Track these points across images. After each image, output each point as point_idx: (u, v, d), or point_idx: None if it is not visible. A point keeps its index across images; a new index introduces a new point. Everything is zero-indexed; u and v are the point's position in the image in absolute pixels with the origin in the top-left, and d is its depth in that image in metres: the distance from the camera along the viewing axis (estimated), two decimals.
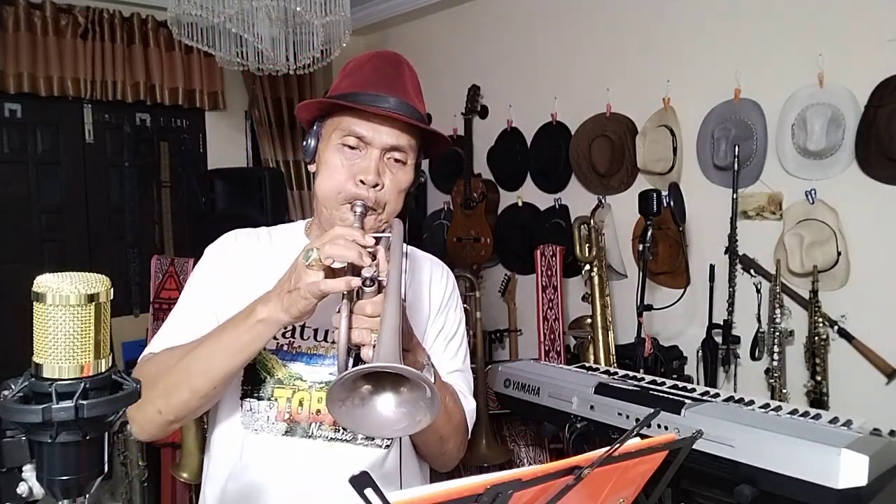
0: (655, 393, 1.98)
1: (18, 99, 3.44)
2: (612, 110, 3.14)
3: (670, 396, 1.92)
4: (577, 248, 2.91)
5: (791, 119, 2.54)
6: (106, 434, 0.64)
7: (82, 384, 0.60)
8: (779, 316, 2.54)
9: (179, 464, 2.73)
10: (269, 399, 1.14)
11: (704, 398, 1.92)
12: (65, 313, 0.59)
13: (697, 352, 2.78)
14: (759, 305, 2.63)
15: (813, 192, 2.51)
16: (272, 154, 4.11)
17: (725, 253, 2.69)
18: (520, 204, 3.62)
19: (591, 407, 1.99)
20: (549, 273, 3.18)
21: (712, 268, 2.72)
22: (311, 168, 1.20)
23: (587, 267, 2.90)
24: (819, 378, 2.44)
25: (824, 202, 2.49)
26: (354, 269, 0.96)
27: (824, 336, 2.44)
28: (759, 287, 2.63)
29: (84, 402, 0.59)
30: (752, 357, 2.61)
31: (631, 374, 2.30)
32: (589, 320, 2.91)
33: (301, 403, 1.14)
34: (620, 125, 3.10)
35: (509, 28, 3.63)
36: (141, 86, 3.69)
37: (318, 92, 4.16)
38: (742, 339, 2.67)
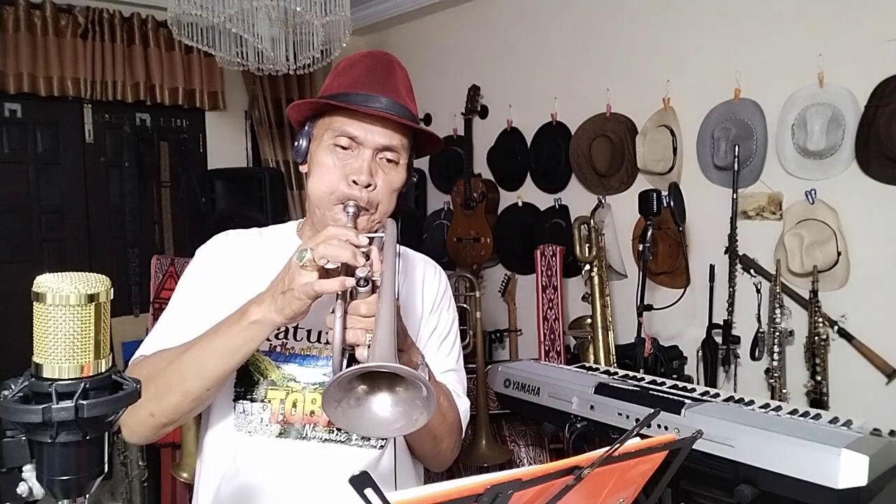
0: (655, 393, 1.98)
1: (18, 99, 3.44)
2: (612, 110, 3.14)
3: (670, 396, 1.92)
4: (577, 248, 2.91)
5: (791, 119, 2.54)
6: (106, 434, 0.64)
7: (82, 384, 0.60)
8: (779, 316, 2.53)
9: (179, 464, 2.73)
10: (262, 401, 1.14)
11: (704, 398, 1.92)
12: (65, 313, 0.59)
13: (697, 352, 2.78)
14: (759, 305, 2.63)
15: (813, 192, 2.51)
16: (272, 154, 4.11)
17: (725, 253, 2.69)
18: (520, 204, 3.62)
19: (591, 407, 1.99)
20: (549, 273, 3.18)
21: (712, 268, 2.72)
22: (303, 169, 1.20)
23: (587, 267, 2.90)
24: (819, 378, 2.44)
25: (824, 202, 2.49)
26: (348, 270, 0.96)
27: (824, 336, 2.44)
28: (759, 287, 2.63)
29: (84, 402, 0.59)
30: (752, 357, 2.61)
31: (631, 374, 2.30)
32: (589, 320, 2.91)
33: (295, 405, 1.14)
34: (620, 125, 3.10)
35: (509, 28, 3.63)
36: (141, 86, 3.69)
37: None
38: (742, 339, 2.67)
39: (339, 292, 0.95)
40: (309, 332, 1.17)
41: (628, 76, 3.09)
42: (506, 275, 3.55)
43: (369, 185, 1.12)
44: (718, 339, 2.70)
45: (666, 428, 1.73)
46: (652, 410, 0.90)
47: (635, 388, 2.02)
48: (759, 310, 2.63)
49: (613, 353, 2.86)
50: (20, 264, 3.47)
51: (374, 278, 0.95)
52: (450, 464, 1.28)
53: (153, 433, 1.08)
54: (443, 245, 3.86)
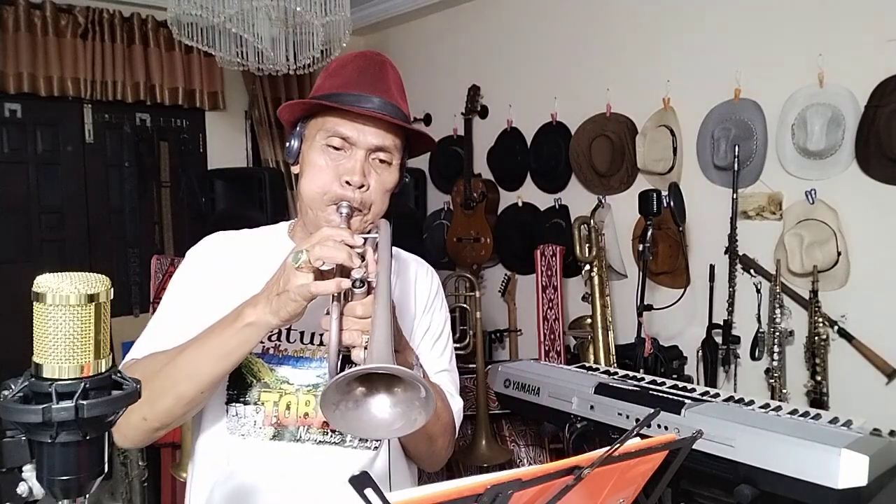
0: (655, 393, 1.98)
1: (18, 99, 3.44)
2: (612, 110, 3.14)
3: (670, 396, 1.92)
4: (577, 248, 2.91)
5: (791, 119, 2.54)
6: (106, 434, 0.64)
7: (82, 384, 0.60)
8: (779, 316, 2.54)
9: (179, 464, 2.73)
10: (255, 403, 1.13)
11: (704, 398, 1.92)
12: (65, 313, 0.59)
13: (697, 352, 2.78)
14: (759, 305, 2.63)
15: (813, 192, 2.51)
16: (272, 154, 4.12)
17: (725, 253, 2.69)
18: (520, 204, 3.62)
19: (591, 407, 1.99)
20: (549, 273, 3.18)
21: (712, 268, 2.72)
22: (295, 169, 1.19)
23: (587, 267, 2.91)
24: (819, 378, 2.44)
25: (824, 202, 2.49)
26: (343, 271, 0.95)
27: (824, 336, 2.44)
28: (759, 287, 2.63)
29: (84, 402, 0.59)
30: (752, 357, 2.61)
31: (631, 374, 2.30)
32: (589, 320, 2.91)
33: (288, 407, 1.13)
34: (620, 125, 3.10)
35: (509, 28, 3.63)
36: (141, 86, 3.69)
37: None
38: (742, 339, 2.67)
39: (335, 294, 0.95)
40: (302, 333, 1.17)
41: (628, 76, 3.09)
42: (506, 275, 3.55)
43: (362, 186, 1.11)
44: (718, 339, 2.70)
45: (666, 428, 1.73)
46: (652, 410, 0.90)
47: (635, 388, 2.02)
48: (759, 310, 2.63)
49: (613, 353, 2.86)
50: (20, 264, 3.47)
51: (369, 279, 0.95)
52: (444, 464, 1.28)
53: (145, 437, 1.07)
54: (443, 245, 3.86)
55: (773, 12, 2.62)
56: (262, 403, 1.13)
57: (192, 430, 1.21)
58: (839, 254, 2.42)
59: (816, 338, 2.45)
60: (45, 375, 0.60)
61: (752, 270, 2.67)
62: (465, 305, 3.29)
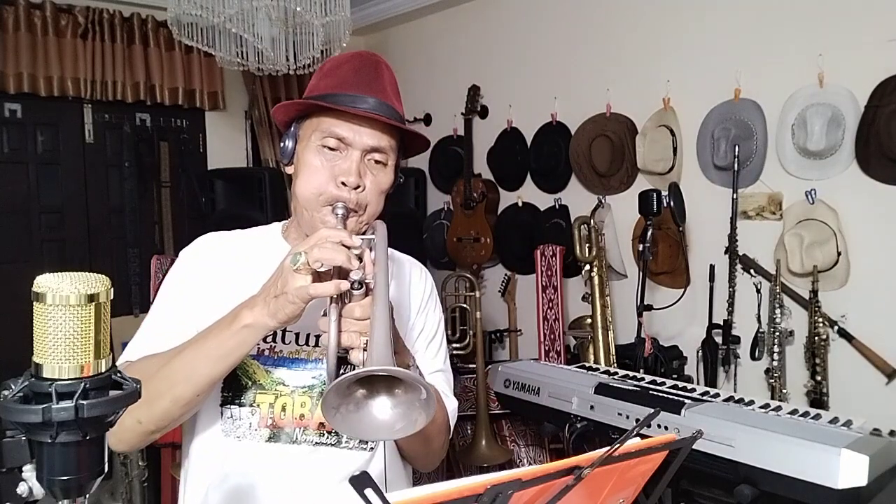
0: (655, 393, 1.98)
1: (18, 99, 3.44)
2: (612, 110, 3.14)
3: (670, 396, 1.92)
4: (577, 248, 2.91)
5: (791, 119, 2.54)
6: (106, 434, 0.64)
7: (82, 384, 0.59)
8: (779, 316, 2.54)
9: (179, 464, 2.73)
10: (250, 405, 1.12)
11: (704, 398, 1.92)
12: (65, 313, 0.59)
13: (697, 352, 2.78)
14: (759, 305, 2.63)
15: (813, 192, 2.51)
16: (272, 154, 4.12)
17: (725, 253, 2.69)
18: (520, 204, 3.62)
19: (591, 407, 1.99)
20: (549, 273, 3.18)
21: (712, 268, 2.72)
22: (289, 170, 1.19)
23: (587, 267, 2.91)
24: (819, 378, 2.44)
25: (824, 202, 2.49)
26: (341, 272, 0.95)
27: (824, 336, 2.44)
28: (759, 287, 2.63)
29: (84, 402, 0.59)
30: (752, 357, 2.61)
31: (631, 374, 2.30)
32: (589, 320, 2.91)
33: (284, 409, 1.12)
34: (620, 125, 3.10)
35: (509, 28, 3.63)
36: (141, 86, 3.69)
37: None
38: (742, 339, 2.67)
39: (334, 296, 0.94)
40: (297, 335, 1.16)
41: (628, 76, 3.09)
42: (506, 275, 3.55)
43: (358, 187, 1.10)
44: (718, 339, 2.70)
45: (666, 428, 1.73)
46: (652, 410, 0.90)
47: (635, 388, 2.02)
48: (759, 310, 2.63)
49: (613, 353, 2.86)
50: (20, 264, 3.46)
51: (367, 281, 0.95)
52: (438, 464, 1.29)
53: (140, 440, 1.06)
54: (443, 245, 3.86)
55: (773, 12, 2.62)
56: (258, 405, 1.12)
57: (185, 433, 1.20)
58: (839, 254, 2.42)
59: (816, 338, 2.45)
60: (45, 375, 0.60)
61: (752, 270, 2.67)
62: (465, 305, 3.29)
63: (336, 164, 1.11)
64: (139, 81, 3.68)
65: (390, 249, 1.21)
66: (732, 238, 2.67)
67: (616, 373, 2.32)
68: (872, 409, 2.24)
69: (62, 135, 3.65)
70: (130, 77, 3.67)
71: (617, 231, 3.14)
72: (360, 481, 0.56)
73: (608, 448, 0.70)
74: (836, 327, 2.46)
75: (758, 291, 2.63)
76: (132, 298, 3.78)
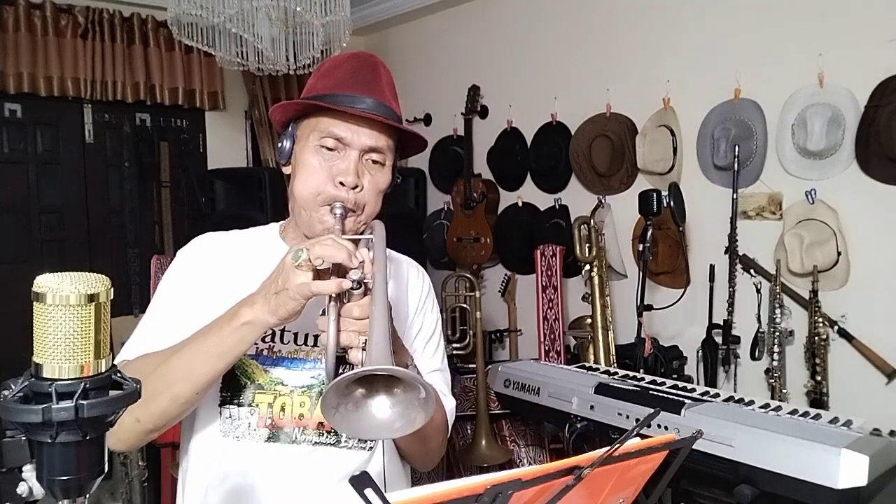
0: (655, 393, 1.98)
1: (18, 99, 3.44)
2: (612, 110, 3.14)
3: (670, 396, 1.92)
4: (577, 248, 2.91)
5: (791, 119, 2.54)
6: (106, 434, 0.64)
7: (82, 384, 0.59)
8: (779, 316, 2.53)
9: (179, 464, 2.73)
10: (249, 405, 1.12)
11: (704, 398, 1.92)
12: (65, 313, 0.59)
13: (697, 352, 2.78)
14: (759, 305, 2.63)
15: (813, 192, 2.51)
16: (272, 154, 4.12)
17: (725, 253, 2.69)
18: (520, 204, 3.62)
19: (591, 407, 1.99)
20: (549, 273, 3.18)
21: (712, 268, 2.72)
22: (286, 170, 1.19)
23: (587, 267, 2.90)
24: (819, 378, 2.44)
25: (824, 202, 2.49)
26: (340, 272, 0.96)
27: (824, 336, 2.44)
28: (759, 287, 2.63)
29: (84, 402, 0.59)
30: (752, 357, 2.61)
31: (631, 374, 2.30)
32: (589, 320, 2.91)
33: (283, 408, 1.12)
34: (620, 125, 3.10)
35: (509, 28, 3.63)
36: (141, 86, 3.69)
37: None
38: (742, 339, 2.67)
39: (333, 294, 0.95)
40: (296, 334, 1.16)
41: (628, 76, 3.09)
42: (506, 275, 3.55)
43: (356, 187, 1.11)
44: (718, 339, 2.70)
45: (666, 428, 1.73)
46: (652, 410, 0.90)
47: (635, 388, 2.02)
48: (759, 310, 2.63)
49: (613, 353, 2.86)
50: (20, 264, 3.47)
51: (366, 280, 0.95)
52: (436, 463, 1.29)
53: (139, 440, 1.06)
54: (443, 245, 3.86)
55: (773, 12, 2.62)
56: (257, 405, 1.12)
57: (184, 432, 1.20)
58: (839, 254, 2.42)
59: (816, 338, 2.45)
60: (45, 375, 0.60)
61: (752, 270, 2.67)
62: (465, 305, 3.29)
63: (334, 164, 1.12)
64: (139, 81, 3.68)
65: (388, 250, 1.21)
66: (732, 238, 2.67)
67: (616, 373, 2.32)
68: (872, 409, 2.24)
69: (62, 135, 3.65)
70: (130, 77, 3.67)
71: (617, 231, 3.14)
72: (360, 481, 0.56)
73: (608, 448, 0.70)
74: (836, 327, 2.46)
75: (758, 291, 2.63)
76: (132, 298, 3.78)
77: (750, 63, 2.67)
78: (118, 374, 0.64)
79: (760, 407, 1.88)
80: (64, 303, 0.59)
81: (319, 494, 1.11)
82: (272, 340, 1.16)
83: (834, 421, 1.74)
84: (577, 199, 3.35)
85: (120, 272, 3.74)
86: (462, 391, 3.15)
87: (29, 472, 0.62)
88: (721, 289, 2.72)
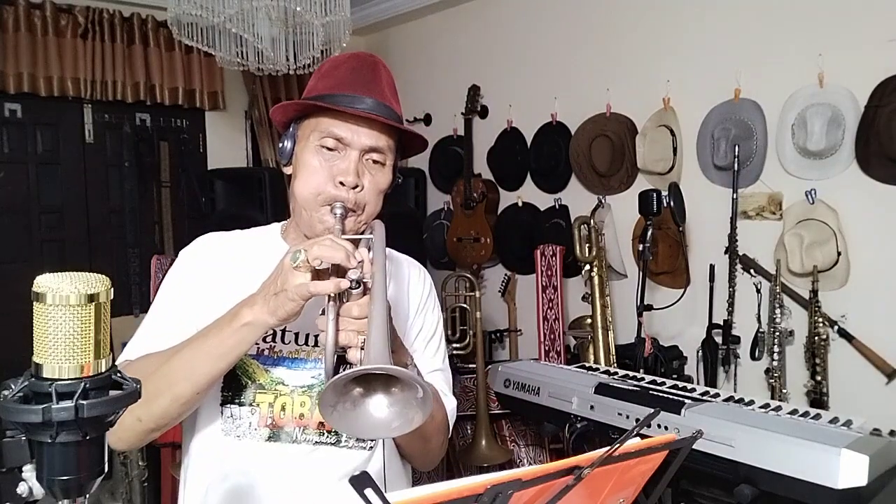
0: (655, 393, 1.98)
1: (18, 99, 3.44)
2: (612, 110, 3.14)
3: (670, 396, 1.92)
4: (577, 248, 2.91)
5: (791, 119, 2.54)
6: (106, 434, 0.64)
7: (82, 384, 0.60)
8: (779, 316, 2.53)
9: (179, 464, 2.73)
10: (250, 405, 1.13)
11: (704, 398, 1.92)
12: (65, 313, 0.59)
13: (697, 352, 2.78)
14: (759, 305, 2.63)
15: (813, 192, 2.51)
16: (272, 154, 4.12)
17: (725, 253, 2.69)
18: (520, 204, 3.62)
19: (591, 407, 1.99)
20: (549, 273, 3.18)
21: (712, 268, 2.72)
22: (287, 170, 1.19)
23: (587, 267, 2.90)
24: (819, 378, 2.44)
25: (824, 202, 2.49)
26: (339, 271, 0.96)
27: (824, 336, 2.44)
28: (759, 287, 2.63)
29: (84, 402, 0.59)
30: (752, 357, 2.61)
31: (631, 374, 2.30)
32: (589, 320, 2.91)
33: (284, 408, 1.13)
34: (620, 125, 3.10)
35: (509, 28, 3.63)
36: (141, 86, 3.69)
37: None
38: (742, 339, 2.67)
39: (332, 294, 0.95)
40: (297, 334, 1.17)
41: (628, 76, 3.09)
42: (506, 275, 3.55)
43: (356, 187, 1.11)
44: (718, 339, 2.70)
45: (666, 428, 1.73)
46: (652, 410, 0.90)
47: (635, 388, 2.02)
48: (759, 310, 2.63)
49: (613, 353, 2.86)
50: (20, 264, 3.47)
51: (365, 280, 0.95)
52: (437, 463, 1.29)
53: (140, 439, 1.07)
54: (443, 245, 3.86)
55: (773, 12, 2.62)
56: (258, 405, 1.13)
57: (185, 431, 1.20)
58: (839, 254, 2.42)
59: (816, 338, 2.45)
60: (45, 375, 0.60)
61: (752, 270, 2.67)
62: (465, 305, 3.29)
63: (334, 164, 1.12)
64: (139, 81, 3.68)
65: (389, 250, 1.21)
66: (732, 238, 2.67)
67: (616, 373, 2.32)
68: (872, 409, 2.24)
69: (62, 135, 3.65)
70: (130, 77, 3.67)
71: (617, 231, 3.14)
72: (360, 481, 0.56)
73: (608, 448, 0.70)
74: (836, 327, 2.46)
75: (758, 291, 2.63)
76: (132, 298, 3.78)
77: (750, 63, 2.67)
78: (118, 374, 0.64)
79: (760, 407, 1.88)
80: (64, 303, 0.59)
81: (320, 494, 1.11)
82: (273, 340, 1.16)
83: (834, 421, 1.74)
84: (577, 199, 3.35)
85: (120, 272, 3.74)
86: (462, 391, 3.15)
87: (29, 472, 0.62)
88: (721, 289, 2.72)
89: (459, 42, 3.91)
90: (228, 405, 1.13)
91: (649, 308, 2.51)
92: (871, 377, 2.41)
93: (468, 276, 3.31)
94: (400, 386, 0.85)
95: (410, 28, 4.22)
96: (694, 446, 0.83)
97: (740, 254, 2.68)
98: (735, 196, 2.64)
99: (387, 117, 1.12)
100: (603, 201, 3.10)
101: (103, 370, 0.62)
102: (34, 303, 0.59)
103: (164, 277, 1.23)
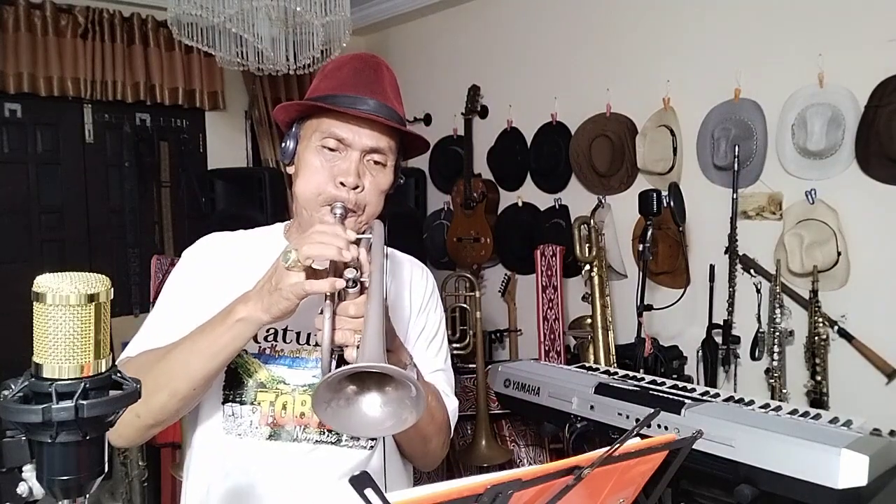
0: (655, 393, 1.98)
1: (18, 99, 3.44)
2: (612, 110, 3.14)
3: (670, 396, 1.92)
4: (577, 248, 2.91)
5: (791, 119, 2.54)
6: (106, 434, 0.64)
7: (82, 384, 0.60)
8: (779, 316, 2.54)
9: (179, 463, 2.73)
10: (251, 403, 1.13)
11: (704, 398, 1.92)
12: (65, 313, 0.59)
13: (697, 352, 2.78)
14: (759, 305, 2.63)
15: (813, 192, 2.51)
16: (272, 154, 4.11)
17: (725, 253, 2.69)
18: (520, 204, 3.62)
19: (591, 407, 1.99)
20: (549, 273, 3.18)
21: (712, 268, 2.72)
22: (290, 170, 1.20)
23: (587, 267, 2.90)
24: (819, 378, 2.44)
25: (824, 202, 2.49)
26: (337, 270, 0.96)
27: (824, 336, 2.44)
28: (759, 287, 2.63)
29: (84, 402, 0.59)
30: (752, 357, 2.61)
31: (631, 374, 2.30)
32: (589, 320, 2.91)
33: (285, 407, 1.13)
34: (620, 125, 3.10)
35: (509, 28, 3.63)
36: (141, 86, 3.69)
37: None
38: (742, 339, 2.67)
39: (329, 293, 0.95)
40: (298, 334, 1.17)
41: (628, 76, 3.09)
42: (506, 275, 3.55)
43: (357, 187, 1.12)
44: (718, 339, 2.70)
45: (666, 428, 1.73)
46: (652, 410, 0.90)
47: (635, 388, 2.02)
48: (759, 310, 2.63)
49: (613, 353, 2.86)
50: (20, 264, 3.47)
51: (362, 279, 0.96)
52: (438, 463, 1.29)
53: (139, 435, 1.07)
54: (443, 245, 3.86)
55: (773, 12, 2.62)
56: (259, 403, 1.13)
57: (188, 428, 1.22)
58: (839, 254, 2.42)
59: (816, 338, 2.45)
60: (45, 375, 0.60)
61: (752, 270, 2.67)
62: (465, 305, 3.29)
63: (335, 165, 1.12)
64: (139, 81, 3.68)
65: (391, 249, 1.21)
66: (732, 238, 2.67)
67: (616, 373, 2.32)
68: (872, 409, 2.24)
69: (62, 135, 3.65)
70: (130, 77, 3.66)
71: (617, 231, 3.14)
72: (360, 481, 0.56)
73: (608, 448, 0.70)
74: (836, 327, 2.46)
75: (758, 291, 2.63)
76: (132, 298, 3.78)
77: (750, 63, 2.67)
78: (118, 374, 0.64)
79: (760, 407, 1.88)
80: (64, 303, 0.59)
81: (320, 492, 1.11)
82: (275, 339, 1.17)
83: (834, 421, 1.74)
84: (577, 199, 3.35)
85: (120, 272, 3.74)
86: (462, 391, 3.15)
87: (29, 472, 0.62)
88: (721, 289, 2.72)
89: (459, 42, 3.91)
90: (230, 403, 1.14)
91: (649, 308, 2.51)
92: (871, 377, 2.41)
93: (468, 276, 3.31)
94: (394, 385, 0.86)
95: (410, 28, 4.22)
96: (694, 446, 0.83)
97: (740, 254, 2.68)
98: (735, 196, 2.64)
99: (388, 118, 1.13)
100: (603, 201, 3.10)
101: (103, 370, 0.62)
102: (34, 303, 0.59)
103: (164, 277, 1.23)
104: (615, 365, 2.77)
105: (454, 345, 3.25)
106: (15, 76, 3.34)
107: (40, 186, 3.59)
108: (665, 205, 2.43)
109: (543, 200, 3.51)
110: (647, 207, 2.43)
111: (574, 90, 3.32)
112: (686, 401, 1.83)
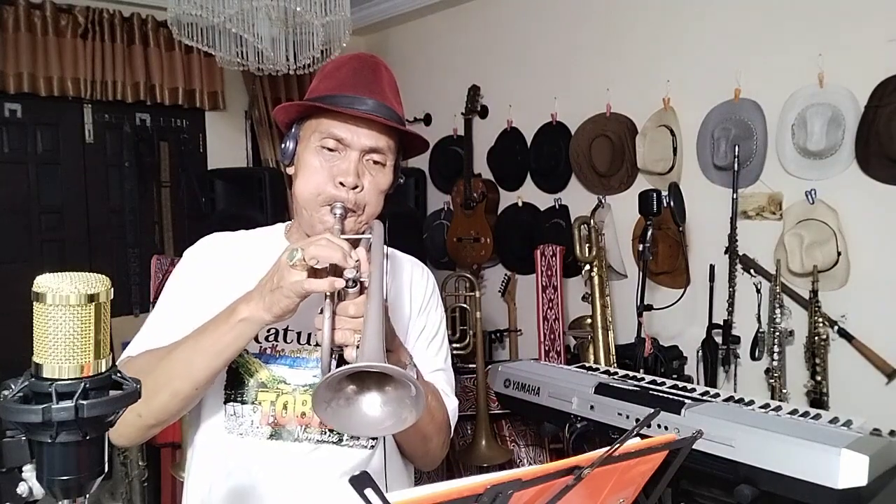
0: (655, 393, 1.98)
1: (18, 99, 3.44)
2: (612, 110, 3.14)
3: (670, 396, 1.92)
4: (577, 248, 2.91)
5: (791, 119, 2.54)
6: (106, 434, 0.64)
7: (82, 384, 0.60)
8: (779, 316, 2.54)
9: (179, 464, 2.73)
10: (252, 403, 1.14)
11: (704, 398, 1.92)
12: (65, 313, 0.59)
13: (697, 352, 2.78)
14: (759, 305, 2.63)
15: (813, 192, 2.51)
16: (272, 154, 4.11)
17: (725, 253, 2.69)
18: (520, 204, 3.62)
19: (591, 407, 1.99)
20: (549, 273, 3.18)
21: (712, 268, 2.72)
22: (290, 171, 1.20)
23: (587, 267, 2.90)
24: (819, 378, 2.44)
25: (824, 202, 2.49)
26: (337, 270, 0.97)
27: (824, 336, 2.44)
28: (759, 287, 2.63)
29: (84, 402, 0.59)
30: (752, 357, 2.61)
31: (631, 374, 2.30)
32: (589, 320, 2.91)
33: (286, 407, 1.14)
34: (620, 125, 3.10)
35: (509, 28, 3.63)
36: (141, 86, 3.69)
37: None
38: (742, 339, 2.67)
39: (328, 293, 0.96)
40: (299, 334, 1.17)
41: (628, 76, 3.09)
42: (506, 275, 3.55)
43: (356, 187, 1.12)
44: (718, 339, 2.70)
45: (666, 428, 1.73)
46: (652, 410, 0.90)
47: (635, 388, 2.02)
48: (759, 310, 2.63)
49: (613, 353, 2.86)
50: (20, 264, 3.46)
51: (362, 279, 0.96)
52: (439, 463, 1.29)
53: (140, 435, 1.08)
54: (443, 245, 3.86)
55: (773, 12, 2.62)
56: (260, 403, 1.14)
57: (190, 428, 1.21)
58: (839, 254, 2.42)
59: (816, 338, 2.45)
60: (45, 375, 0.60)
61: (752, 270, 2.67)
62: (465, 305, 3.29)
63: (335, 165, 1.13)
64: (139, 81, 3.68)
65: (391, 249, 1.21)
66: (732, 238, 2.67)
67: (616, 373, 2.32)
68: (872, 409, 2.24)
69: (62, 135, 3.64)
70: (130, 77, 3.66)
71: (617, 231, 3.14)
72: (360, 481, 0.56)
73: (608, 448, 0.70)
74: (836, 327, 2.46)
75: (758, 291, 2.63)
76: (132, 298, 3.78)
77: (750, 63, 2.67)
78: (118, 374, 0.64)
79: (760, 407, 1.88)
80: (64, 303, 0.59)
81: (321, 492, 1.11)
82: (275, 339, 1.17)
83: (834, 421, 1.74)
84: (577, 199, 3.35)
85: (120, 272, 3.74)
86: (462, 391, 3.15)
87: (29, 472, 0.62)
88: (721, 289, 2.72)
89: (459, 42, 3.91)
90: (231, 403, 1.14)
91: (649, 308, 2.51)
92: (871, 377, 2.41)
93: (468, 276, 3.31)
94: (393, 384, 0.86)
95: (410, 28, 4.22)
96: (694, 446, 0.83)
97: (740, 254, 2.68)
98: (735, 196, 2.64)
99: (387, 118, 1.13)
100: (603, 201, 3.10)
101: (103, 370, 0.62)
102: (34, 303, 0.59)
103: (164, 277, 1.24)
104: (615, 365, 2.77)
105: (454, 345, 3.25)
106: (15, 76, 3.34)
107: (40, 186, 3.59)
108: (665, 205, 2.43)
109: (543, 200, 3.51)
110: (647, 207, 2.43)
111: (574, 90, 3.32)
112: (686, 401, 1.83)
